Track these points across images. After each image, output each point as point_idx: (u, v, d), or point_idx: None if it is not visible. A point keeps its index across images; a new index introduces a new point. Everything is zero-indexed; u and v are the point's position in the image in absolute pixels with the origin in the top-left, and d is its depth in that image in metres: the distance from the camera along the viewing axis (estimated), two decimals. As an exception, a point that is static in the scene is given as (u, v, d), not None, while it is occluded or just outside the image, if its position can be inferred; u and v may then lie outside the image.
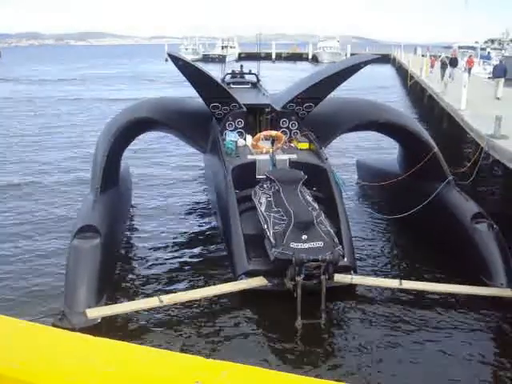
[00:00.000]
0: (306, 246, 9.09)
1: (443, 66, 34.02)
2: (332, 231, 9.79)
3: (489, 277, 10.22)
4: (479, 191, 15.43)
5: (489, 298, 9.85)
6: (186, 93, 21.37)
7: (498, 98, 25.50)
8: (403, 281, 9.98)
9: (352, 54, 72.45)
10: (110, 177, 12.23)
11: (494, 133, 14.44)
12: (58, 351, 2.03)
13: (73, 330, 8.03)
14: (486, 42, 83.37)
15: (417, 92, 40.65)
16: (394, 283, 10.09)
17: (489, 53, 63.09)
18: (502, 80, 26.79)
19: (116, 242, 11.60)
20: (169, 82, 51.49)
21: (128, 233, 13.16)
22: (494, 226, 10.92)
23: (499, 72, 27.16)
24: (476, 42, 78.45)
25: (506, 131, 14.44)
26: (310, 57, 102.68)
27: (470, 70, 33.62)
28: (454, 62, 35.19)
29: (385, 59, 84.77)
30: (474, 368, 8.11)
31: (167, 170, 19.55)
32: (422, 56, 60.89)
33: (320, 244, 9.15)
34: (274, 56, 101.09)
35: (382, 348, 8.53)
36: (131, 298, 9.75)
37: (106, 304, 9.23)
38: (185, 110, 14.45)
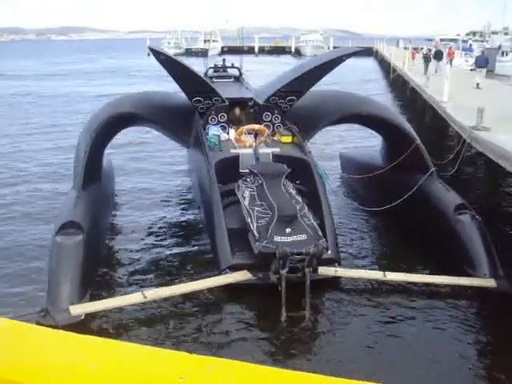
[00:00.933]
0: (290, 239, 9.11)
1: (426, 60, 33.59)
2: (315, 224, 9.82)
3: (472, 267, 10.29)
4: (462, 183, 15.53)
5: (472, 288, 9.94)
6: (168, 87, 21.24)
7: (480, 88, 26.16)
8: (387, 272, 10.03)
9: (335, 47, 72.63)
10: (93, 172, 12.14)
11: (476, 124, 14.51)
12: (41, 349, 2.01)
13: (56, 327, 7.96)
14: (467, 35, 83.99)
15: (399, 84, 40.81)
16: (377, 275, 10.14)
17: (470, 45, 63.61)
18: (484, 70, 28.25)
19: (99, 237, 11.52)
20: (151, 77, 51.09)
21: (111, 228, 13.08)
22: (477, 217, 11.00)
23: (481, 62, 28.81)
24: (458, 35, 79.02)
25: (488, 122, 14.51)
26: (292, 50, 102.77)
27: (451, 61, 33.93)
28: (438, 55, 35.02)
29: (368, 52, 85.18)
30: (458, 357, 8.17)
31: (151, 165, 19.45)
32: (405, 49, 61.25)
33: (304, 237, 9.17)
34: (257, 50, 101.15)
35: (367, 339, 8.57)
36: (115, 294, 9.70)
37: (90, 300, 9.16)
38: (167, 105, 14.35)
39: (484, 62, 28.73)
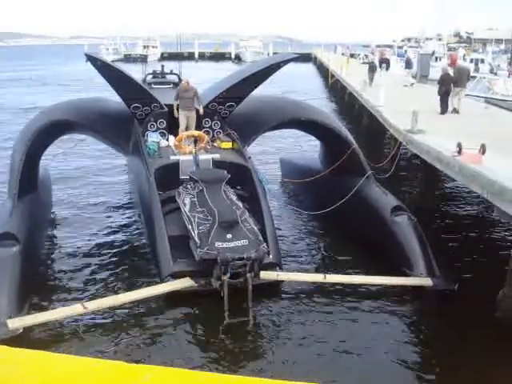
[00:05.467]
0: (231, 244, 9.14)
1: (372, 69, 32.27)
2: (256, 229, 9.89)
3: (409, 267, 10.56)
4: (398, 185, 15.91)
5: (410, 287, 10.21)
6: (108, 95, 20.86)
7: (411, 85, 31.10)
8: (327, 275, 10.21)
9: (275, 53, 73.25)
10: (28, 182, 11.84)
11: (411, 127, 14.88)
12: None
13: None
14: (402, 41, 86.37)
15: (338, 90, 41.40)
16: (318, 277, 10.30)
17: (405, 51, 65.45)
18: (411, 71, 35.96)
19: (37, 248, 11.25)
20: (89, 84, 50.05)
21: (49, 239, 12.78)
22: (413, 218, 11.32)
23: (410, 65, 37.12)
24: (393, 41, 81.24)
25: (422, 124, 14.88)
26: (232, 56, 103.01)
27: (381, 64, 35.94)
28: (384, 64, 35.66)
29: (307, 58, 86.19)
30: (398, 354, 8.37)
31: (89, 174, 19.08)
32: (342, 54, 62.39)
33: (245, 242, 9.23)
34: (196, 56, 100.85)
35: (309, 341, 8.67)
36: (54, 306, 9.48)
37: (29, 313, 8.93)
38: (105, 111, 14.09)
39: (411, 65, 36.38)
